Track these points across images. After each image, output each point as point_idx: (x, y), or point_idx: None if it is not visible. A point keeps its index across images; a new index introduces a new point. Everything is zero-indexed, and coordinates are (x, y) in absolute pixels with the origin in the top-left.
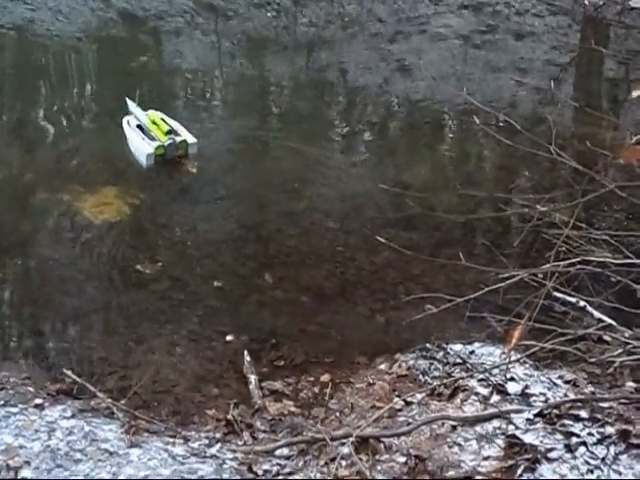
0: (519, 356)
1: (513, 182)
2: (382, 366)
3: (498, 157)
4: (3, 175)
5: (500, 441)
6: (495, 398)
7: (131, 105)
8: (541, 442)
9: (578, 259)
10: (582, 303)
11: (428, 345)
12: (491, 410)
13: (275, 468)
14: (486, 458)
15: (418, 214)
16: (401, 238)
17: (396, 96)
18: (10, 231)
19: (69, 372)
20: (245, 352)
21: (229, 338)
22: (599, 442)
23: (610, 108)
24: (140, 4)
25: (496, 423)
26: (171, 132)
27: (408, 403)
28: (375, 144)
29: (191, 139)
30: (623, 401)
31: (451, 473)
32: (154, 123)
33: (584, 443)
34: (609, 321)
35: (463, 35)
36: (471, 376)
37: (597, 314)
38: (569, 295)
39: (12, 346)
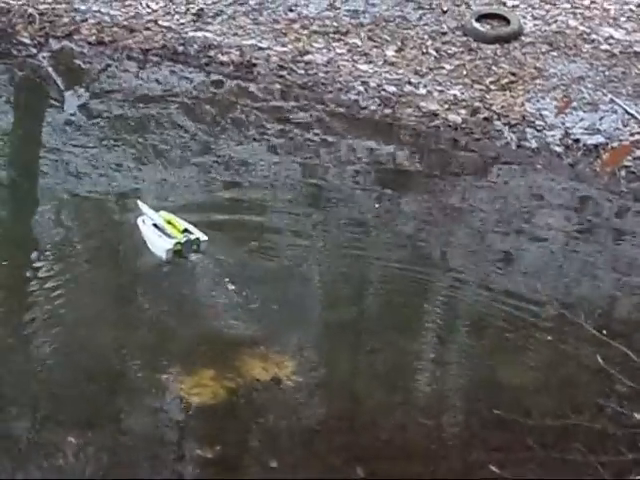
0: None
1: (610, 387)
2: None
3: (595, 361)
4: (103, 349)
5: None
6: None
7: (143, 207)
8: None
9: None
10: None
11: None
12: None
13: None
14: None
15: (512, 415)
16: (494, 438)
17: (494, 292)
18: (103, 406)
19: None
20: None
21: None
22: None
23: None
24: (243, 186)
25: None
26: (186, 230)
27: None
28: (471, 341)
29: (203, 237)
30: None
31: None
32: (169, 223)
33: None
34: None
35: (563, 232)
36: None
37: None
38: None
39: None
